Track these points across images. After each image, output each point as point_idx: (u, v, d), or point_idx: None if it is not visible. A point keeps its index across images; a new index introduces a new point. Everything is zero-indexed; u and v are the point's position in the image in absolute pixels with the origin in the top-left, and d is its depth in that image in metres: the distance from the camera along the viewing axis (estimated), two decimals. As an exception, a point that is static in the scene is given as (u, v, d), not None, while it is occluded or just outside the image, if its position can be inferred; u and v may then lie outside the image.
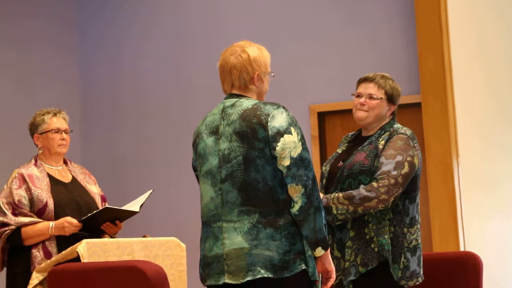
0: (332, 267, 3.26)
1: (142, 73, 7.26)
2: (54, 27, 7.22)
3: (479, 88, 6.36)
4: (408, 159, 3.72)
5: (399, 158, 3.70)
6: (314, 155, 6.57)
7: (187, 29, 7.14)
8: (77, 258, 4.02)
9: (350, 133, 4.06)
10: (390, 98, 3.87)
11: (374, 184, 3.66)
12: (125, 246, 4.18)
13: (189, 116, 6.96)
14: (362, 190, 3.67)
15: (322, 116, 6.70)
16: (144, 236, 4.40)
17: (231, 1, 7.05)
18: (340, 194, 3.69)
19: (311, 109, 6.68)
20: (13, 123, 6.58)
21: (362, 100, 3.88)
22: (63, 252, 4.11)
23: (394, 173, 3.67)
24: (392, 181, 3.65)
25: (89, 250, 4.02)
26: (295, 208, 3.16)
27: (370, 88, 3.88)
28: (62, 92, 7.20)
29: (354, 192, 3.67)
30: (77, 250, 4.02)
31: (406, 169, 3.70)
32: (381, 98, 3.86)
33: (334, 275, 3.28)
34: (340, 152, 3.97)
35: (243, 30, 6.84)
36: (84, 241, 4.06)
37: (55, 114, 4.54)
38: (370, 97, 3.87)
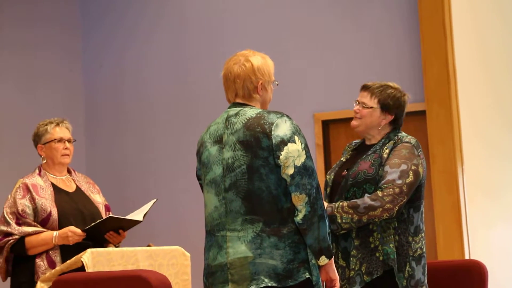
0: (336, 275, 3.26)
1: (146, 78, 7.27)
2: (58, 32, 7.24)
3: (484, 95, 6.35)
4: (413, 168, 3.71)
5: (403, 167, 3.70)
6: (319, 164, 6.56)
7: (191, 34, 7.15)
8: (82, 268, 4.02)
9: (354, 141, 4.06)
10: (385, 107, 3.85)
11: (379, 193, 3.66)
12: (130, 255, 4.18)
13: (194, 123, 6.96)
14: (366, 199, 3.66)
15: (326, 124, 6.70)
16: (148, 245, 4.40)
17: (235, 7, 7.07)
18: (345, 203, 3.69)
19: (315, 117, 6.68)
20: (17, 128, 6.59)
21: (355, 108, 3.90)
22: (68, 261, 4.11)
23: (399, 182, 3.67)
24: (397, 190, 3.65)
25: (94, 260, 4.02)
26: (299, 217, 3.16)
27: (364, 97, 3.89)
28: (66, 98, 7.22)
29: (358, 201, 3.67)
30: (82, 259, 4.01)
31: (410, 178, 3.69)
32: (372, 107, 3.86)
33: (338, 284, 3.27)
34: (344, 160, 3.97)
35: (247, 37, 6.86)
36: (89, 250, 4.06)
37: (57, 124, 4.54)
38: (363, 105, 3.88)
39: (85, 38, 7.47)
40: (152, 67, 7.26)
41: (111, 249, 4.23)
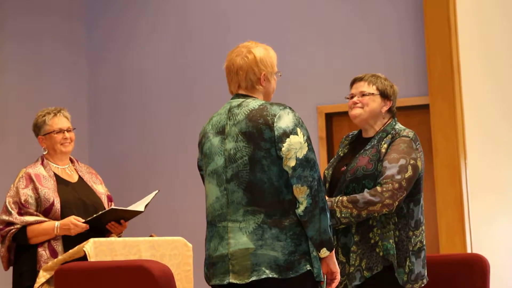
0: (336, 268, 3.26)
1: (149, 71, 7.27)
2: (63, 22, 7.23)
3: (487, 90, 6.35)
4: (412, 162, 3.71)
5: (402, 161, 3.70)
6: (322, 156, 6.57)
7: (195, 26, 7.15)
8: (84, 257, 4.02)
9: (350, 133, 4.05)
10: (383, 93, 3.87)
11: (378, 188, 3.66)
12: (132, 245, 4.19)
13: (195, 115, 6.97)
14: (366, 194, 3.66)
15: (330, 117, 6.70)
16: (151, 236, 4.41)
17: (239, 0, 7.06)
18: (344, 198, 3.68)
19: (318, 110, 6.68)
20: (22, 117, 6.58)
21: (355, 99, 3.90)
22: (70, 251, 4.11)
23: (398, 177, 3.66)
24: (396, 185, 3.65)
25: (96, 249, 4.03)
26: (300, 209, 3.16)
27: (361, 87, 3.90)
28: (70, 89, 7.22)
29: (358, 196, 3.67)
30: (84, 249, 4.02)
31: (409, 172, 3.69)
32: (372, 93, 3.87)
33: (338, 276, 3.28)
34: (341, 155, 3.95)
35: (251, 29, 6.85)
36: (91, 240, 4.06)
37: (55, 114, 4.52)
38: (362, 94, 3.88)
39: (89, 30, 7.47)
40: (154, 60, 7.26)
41: (113, 239, 4.24)
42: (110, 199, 4.61)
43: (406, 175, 3.67)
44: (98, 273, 3.64)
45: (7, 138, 6.65)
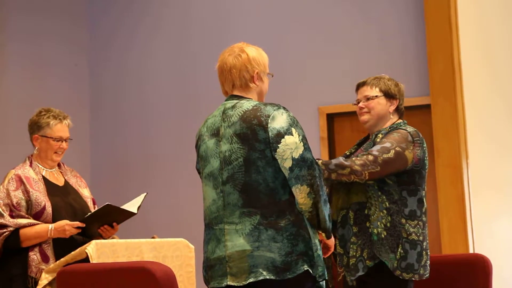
0: (331, 243, 3.35)
1: (150, 70, 7.28)
2: (64, 23, 7.24)
3: (488, 89, 6.35)
4: (397, 149, 3.73)
5: (387, 144, 3.74)
6: (323, 156, 6.57)
7: (195, 29, 7.16)
8: (86, 259, 4.03)
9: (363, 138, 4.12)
10: (387, 93, 3.92)
11: (353, 158, 3.70)
12: (134, 247, 4.19)
13: (196, 118, 6.94)
14: (340, 158, 3.72)
15: (331, 118, 6.71)
16: (153, 237, 4.40)
17: (240, 1, 7.06)
18: (321, 160, 3.72)
19: (320, 111, 6.68)
20: (23, 116, 6.55)
21: (360, 104, 3.95)
22: (72, 252, 4.10)
23: (375, 153, 3.71)
24: (370, 157, 3.68)
25: (98, 251, 4.03)
26: (306, 207, 3.17)
27: (364, 91, 3.96)
28: (72, 89, 7.22)
29: (333, 160, 3.71)
30: (86, 250, 4.02)
31: (390, 154, 3.71)
32: (376, 96, 3.91)
33: (332, 248, 3.36)
34: (348, 153, 4.01)
35: (252, 30, 6.86)
36: (93, 242, 4.06)
37: (60, 121, 4.43)
38: (367, 98, 3.93)
39: (91, 30, 7.47)
40: (156, 61, 7.26)
41: (115, 240, 4.23)
42: (94, 203, 4.54)
43: (385, 156, 3.70)
44: (100, 274, 3.64)
45: (8, 139, 6.63)
